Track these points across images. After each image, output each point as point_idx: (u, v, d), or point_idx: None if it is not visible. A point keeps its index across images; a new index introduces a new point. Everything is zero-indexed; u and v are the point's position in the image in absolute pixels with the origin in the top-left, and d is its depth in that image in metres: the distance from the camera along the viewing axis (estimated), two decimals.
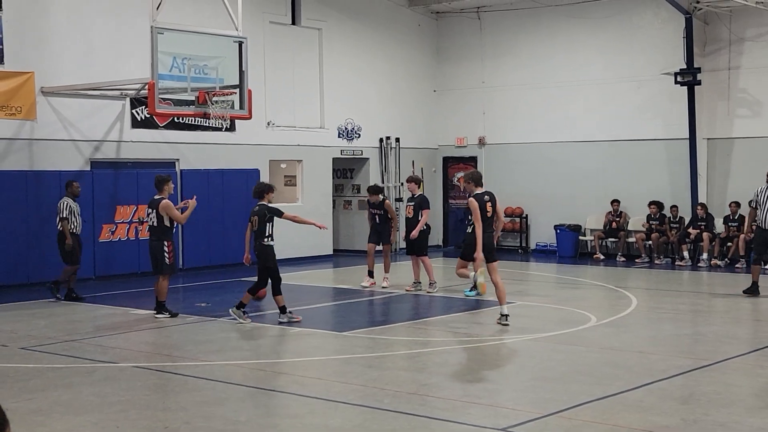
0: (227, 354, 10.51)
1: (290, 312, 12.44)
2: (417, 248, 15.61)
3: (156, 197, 13.14)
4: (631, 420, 7.51)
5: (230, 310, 12.57)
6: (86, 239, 16.94)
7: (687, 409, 7.89)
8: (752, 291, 14.67)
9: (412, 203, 15.80)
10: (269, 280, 12.54)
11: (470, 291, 14.90)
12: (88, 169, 17.31)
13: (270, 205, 12.64)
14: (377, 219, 16.11)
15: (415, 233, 15.44)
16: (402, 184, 22.86)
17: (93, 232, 17.10)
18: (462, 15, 23.66)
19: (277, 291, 12.43)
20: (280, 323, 12.27)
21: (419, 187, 16.12)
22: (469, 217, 12.46)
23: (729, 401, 8.17)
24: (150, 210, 13.14)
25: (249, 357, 10.41)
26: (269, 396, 8.70)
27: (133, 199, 17.61)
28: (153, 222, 13.07)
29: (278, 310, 12.43)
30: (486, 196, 12.17)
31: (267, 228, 12.43)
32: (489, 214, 12.13)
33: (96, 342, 11.27)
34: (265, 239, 12.44)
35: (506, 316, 11.99)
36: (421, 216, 15.53)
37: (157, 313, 13.00)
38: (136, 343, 11.39)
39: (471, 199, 12.08)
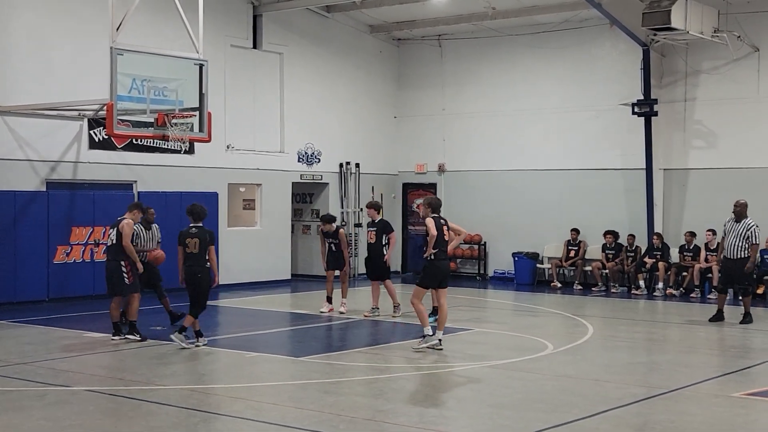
0: (182, 378, 10.38)
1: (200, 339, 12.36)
2: (381, 272, 15.58)
3: (120, 217, 13.07)
4: None
5: (172, 336, 12.33)
6: (40, 261, 16.78)
7: None
8: (718, 318, 15.12)
9: (374, 228, 15.79)
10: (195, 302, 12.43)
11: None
12: (44, 189, 17.10)
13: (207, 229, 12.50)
14: (332, 248, 16.08)
15: (388, 257, 15.48)
16: (361, 209, 22.89)
17: (48, 253, 16.89)
18: (423, 42, 23.82)
19: (197, 315, 12.37)
20: (193, 344, 12.17)
21: (379, 213, 16.19)
22: (424, 248, 12.46)
23: (683, 430, 8.24)
24: (112, 229, 13.03)
25: (204, 381, 10.30)
26: (224, 421, 8.60)
27: (89, 221, 17.40)
28: (112, 240, 12.94)
29: (179, 329, 12.31)
30: (442, 220, 12.34)
31: (206, 252, 12.31)
32: (446, 238, 12.29)
33: (48, 365, 11.09)
34: (207, 263, 12.33)
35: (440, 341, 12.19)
36: (389, 240, 15.56)
37: (128, 334, 12.84)
38: (90, 366, 11.22)
39: (428, 218, 12.21)
